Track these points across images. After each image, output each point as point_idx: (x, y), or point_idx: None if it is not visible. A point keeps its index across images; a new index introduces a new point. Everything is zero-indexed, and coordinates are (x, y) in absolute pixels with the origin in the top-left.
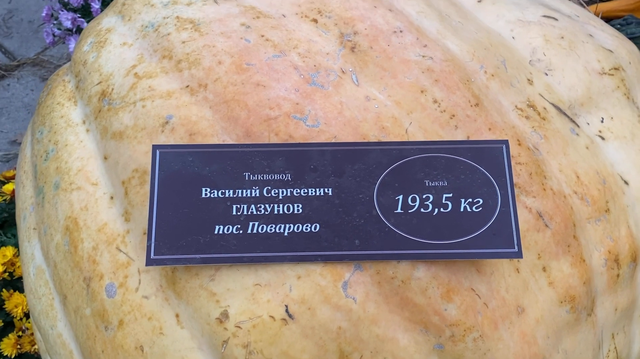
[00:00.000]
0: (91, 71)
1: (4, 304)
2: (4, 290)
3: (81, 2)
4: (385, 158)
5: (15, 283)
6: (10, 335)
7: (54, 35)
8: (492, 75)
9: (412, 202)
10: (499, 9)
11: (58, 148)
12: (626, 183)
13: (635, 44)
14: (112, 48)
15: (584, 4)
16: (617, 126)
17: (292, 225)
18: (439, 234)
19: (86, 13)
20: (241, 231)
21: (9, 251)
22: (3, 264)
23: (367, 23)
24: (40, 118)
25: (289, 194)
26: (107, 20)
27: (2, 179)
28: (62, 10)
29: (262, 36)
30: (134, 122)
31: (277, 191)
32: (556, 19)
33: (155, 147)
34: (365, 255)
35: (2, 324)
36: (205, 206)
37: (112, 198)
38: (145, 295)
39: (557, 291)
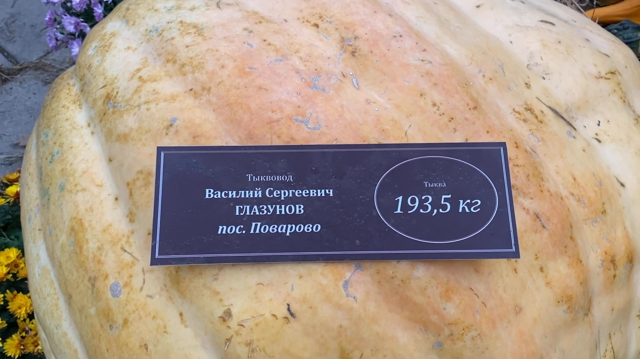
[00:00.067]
0: (96, 74)
1: (8, 305)
2: (7, 291)
3: (84, 7)
4: (385, 160)
5: (18, 284)
6: (13, 336)
7: (56, 39)
8: (490, 79)
9: (411, 203)
10: (497, 14)
11: (63, 150)
12: (622, 185)
13: (632, 48)
14: (116, 52)
15: (581, 9)
16: (613, 129)
17: (294, 225)
18: (438, 234)
19: (89, 17)
20: (244, 232)
21: (12, 252)
22: (7, 265)
23: (368, 28)
24: (45, 121)
25: (290, 195)
26: (111, 25)
27: (5, 181)
28: (65, 15)
29: (264, 40)
30: (139, 125)
31: (279, 192)
32: (553, 24)
33: (159, 149)
34: (365, 254)
35: (6, 325)
36: (208, 207)
37: (116, 199)
38: (150, 294)
39: (554, 291)
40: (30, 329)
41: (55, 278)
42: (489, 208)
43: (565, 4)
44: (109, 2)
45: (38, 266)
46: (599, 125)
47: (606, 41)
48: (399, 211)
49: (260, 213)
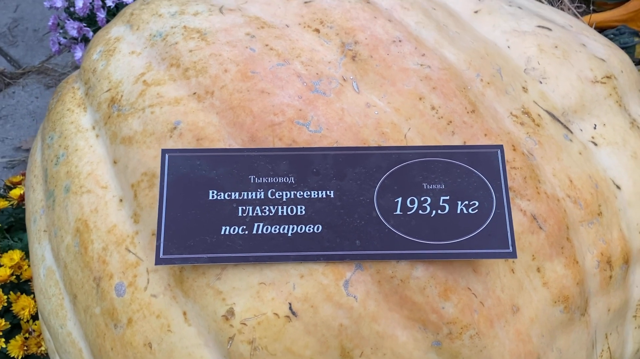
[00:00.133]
0: (100, 78)
1: (11, 306)
2: (11, 292)
3: (87, 12)
4: (384, 162)
5: (22, 286)
6: (17, 337)
7: (59, 43)
8: (488, 83)
9: (410, 204)
10: (495, 19)
11: (68, 152)
12: (618, 187)
13: (628, 53)
14: (120, 56)
15: (578, 15)
16: (609, 132)
17: (295, 226)
18: (436, 235)
19: (92, 22)
20: (247, 232)
21: (16, 254)
22: (10, 267)
23: (368, 33)
24: (50, 124)
25: (292, 196)
26: (115, 30)
27: (9, 184)
28: (68, 20)
29: (267, 45)
30: (143, 128)
31: (281, 193)
32: (550, 29)
33: (164, 151)
34: (365, 254)
35: (10, 326)
36: (212, 208)
37: (121, 200)
38: (154, 294)
39: (551, 291)
40: (34, 331)
41: (60, 278)
42: (487, 210)
43: (562, 9)
44: (111, 7)
45: (43, 267)
46: (595, 128)
47: (602, 46)
48: (398, 212)
49: (263, 214)
